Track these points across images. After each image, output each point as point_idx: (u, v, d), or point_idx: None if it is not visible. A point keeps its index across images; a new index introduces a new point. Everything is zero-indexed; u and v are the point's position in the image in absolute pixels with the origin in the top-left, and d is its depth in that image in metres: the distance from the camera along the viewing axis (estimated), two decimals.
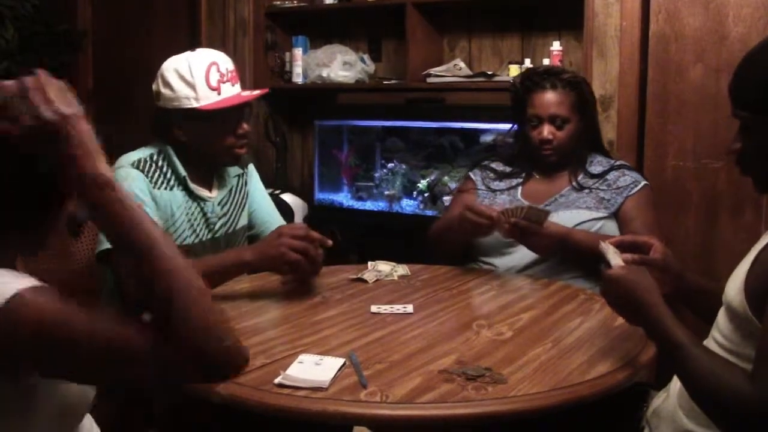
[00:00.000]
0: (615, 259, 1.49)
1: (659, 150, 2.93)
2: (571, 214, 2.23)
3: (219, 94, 1.99)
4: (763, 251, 1.33)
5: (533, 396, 1.29)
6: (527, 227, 2.05)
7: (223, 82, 2.00)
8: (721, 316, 1.40)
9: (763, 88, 1.33)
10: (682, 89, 2.85)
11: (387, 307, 1.79)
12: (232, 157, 2.09)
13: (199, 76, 1.98)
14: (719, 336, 1.39)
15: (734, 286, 1.35)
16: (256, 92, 2.14)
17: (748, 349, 1.31)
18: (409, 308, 1.78)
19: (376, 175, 3.69)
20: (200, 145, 2.04)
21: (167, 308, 1.07)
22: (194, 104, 1.98)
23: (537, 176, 2.39)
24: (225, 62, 2.04)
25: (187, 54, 2.03)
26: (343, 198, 3.76)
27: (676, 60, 2.86)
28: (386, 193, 3.62)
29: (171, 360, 1.07)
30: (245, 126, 2.07)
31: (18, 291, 1.02)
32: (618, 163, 2.36)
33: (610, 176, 2.29)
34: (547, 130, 2.28)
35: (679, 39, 2.85)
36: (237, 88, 2.05)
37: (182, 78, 1.98)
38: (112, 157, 2.01)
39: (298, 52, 3.78)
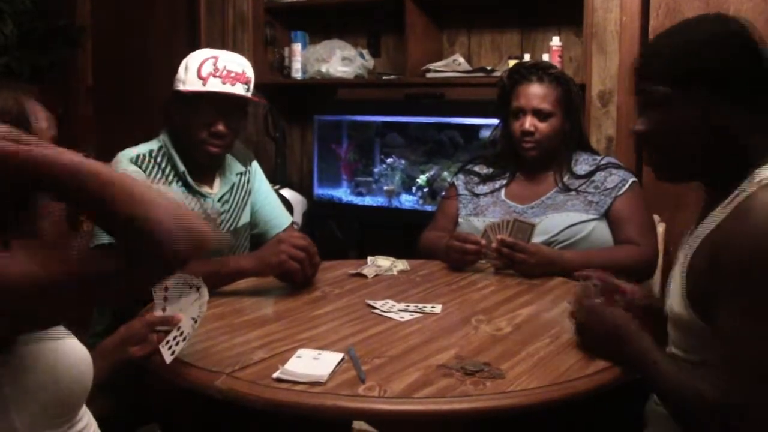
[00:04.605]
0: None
1: None
2: (560, 217, 2.21)
3: (204, 85, 1.99)
4: (695, 255, 1.31)
5: (531, 391, 1.29)
6: (515, 244, 2.04)
7: (214, 76, 1.99)
8: (670, 327, 1.41)
9: (687, 57, 1.29)
10: None
11: (381, 303, 1.78)
12: (203, 153, 2.04)
13: (194, 64, 2.01)
14: (673, 348, 1.39)
15: (674, 294, 1.35)
16: (247, 94, 2.06)
17: (697, 355, 1.32)
18: (406, 316, 1.71)
19: (376, 170, 3.69)
20: (180, 132, 2.05)
21: (121, 219, 0.98)
22: (180, 87, 2.02)
23: (521, 177, 2.37)
24: (228, 62, 2.02)
25: (210, 49, 2.09)
26: (343, 193, 3.76)
27: None
28: (385, 188, 3.61)
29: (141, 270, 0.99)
30: (221, 126, 2.01)
31: None
32: (604, 161, 2.32)
33: (597, 177, 2.27)
34: (529, 122, 2.26)
35: None
36: (229, 88, 2.00)
37: (186, 63, 2.04)
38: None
39: (297, 47, 3.77)
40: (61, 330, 1.17)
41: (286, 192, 3.62)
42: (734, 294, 1.20)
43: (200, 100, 2.00)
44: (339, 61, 3.63)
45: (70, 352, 1.17)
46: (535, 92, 2.28)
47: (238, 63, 2.04)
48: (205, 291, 1.44)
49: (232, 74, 2.02)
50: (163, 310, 1.47)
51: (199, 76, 2.00)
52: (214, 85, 2.00)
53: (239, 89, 2.03)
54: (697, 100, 1.29)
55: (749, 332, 1.17)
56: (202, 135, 2.02)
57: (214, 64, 2.00)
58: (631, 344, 1.35)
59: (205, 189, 2.10)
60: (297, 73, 3.78)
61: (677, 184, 1.43)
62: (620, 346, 1.37)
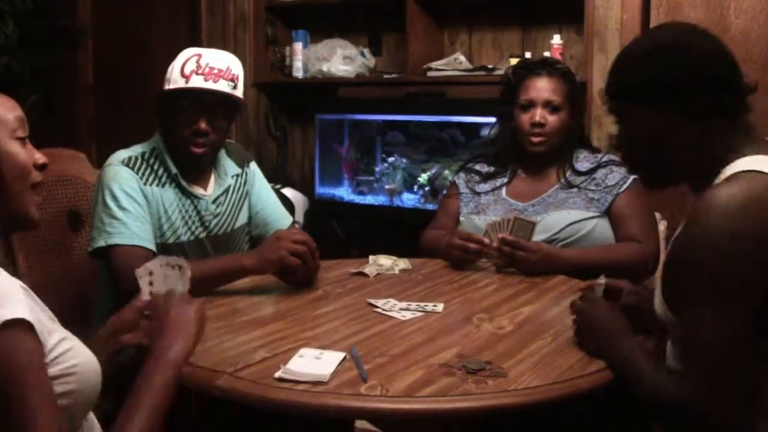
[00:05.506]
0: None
1: None
2: (561, 214, 2.21)
3: (186, 82, 1.96)
4: (668, 256, 1.37)
5: (533, 389, 1.29)
6: (516, 243, 2.04)
7: (197, 74, 1.95)
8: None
9: (642, 74, 1.35)
10: None
11: (383, 302, 1.78)
12: (187, 154, 2.00)
13: (179, 63, 1.98)
14: (670, 358, 1.41)
15: (656, 296, 1.38)
16: (233, 92, 2.00)
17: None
18: (407, 315, 1.70)
19: (377, 169, 3.69)
20: (169, 132, 2.03)
21: None
22: (165, 86, 1.99)
23: (523, 174, 2.37)
24: (212, 59, 1.98)
25: (197, 47, 2.06)
26: (344, 192, 3.76)
27: None
28: (387, 187, 3.61)
29: None
30: (203, 125, 1.96)
31: (4, 321, 1.01)
32: (605, 159, 2.32)
33: (599, 174, 2.26)
34: (539, 114, 2.26)
35: None
36: (212, 85, 1.96)
37: (173, 63, 2.00)
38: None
39: (298, 46, 3.77)
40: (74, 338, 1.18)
41: (288, 191, 3.62)
42: (686, 293, 1.24)
43: (183, 98, 1.97)
44: (340, 59, 3.63)
45: (88, 357, 1.17)
46: (545, 85, 2.28)
47: (222, 60, 2.00)
48: (187, 269, 1.43)
49: (215, 71, 1.97)
50: (150, 294, 1.45)
51: (182, 74, 1.96)
52: (196, 83, 1.95)
53: (223, 86, 1.97)
54: (651, 112, 1.34)
55: (696, 335, 1.21)
56: (185, 134, 1.98)
57: (197, 62, 1.96)
58: (614, 346, 1.37)
59: (199, 191, 2.07)
60: (298, 72, 3.78)
61: (663, 189, 1.47)
62: (605, 345, 1.40)
